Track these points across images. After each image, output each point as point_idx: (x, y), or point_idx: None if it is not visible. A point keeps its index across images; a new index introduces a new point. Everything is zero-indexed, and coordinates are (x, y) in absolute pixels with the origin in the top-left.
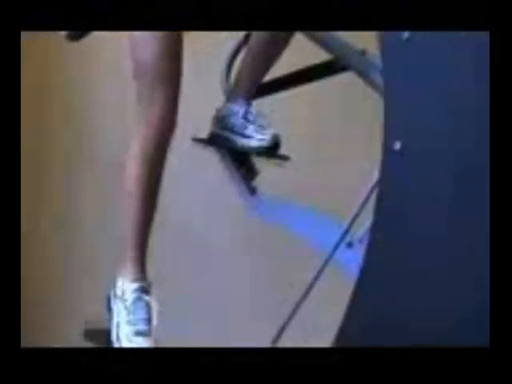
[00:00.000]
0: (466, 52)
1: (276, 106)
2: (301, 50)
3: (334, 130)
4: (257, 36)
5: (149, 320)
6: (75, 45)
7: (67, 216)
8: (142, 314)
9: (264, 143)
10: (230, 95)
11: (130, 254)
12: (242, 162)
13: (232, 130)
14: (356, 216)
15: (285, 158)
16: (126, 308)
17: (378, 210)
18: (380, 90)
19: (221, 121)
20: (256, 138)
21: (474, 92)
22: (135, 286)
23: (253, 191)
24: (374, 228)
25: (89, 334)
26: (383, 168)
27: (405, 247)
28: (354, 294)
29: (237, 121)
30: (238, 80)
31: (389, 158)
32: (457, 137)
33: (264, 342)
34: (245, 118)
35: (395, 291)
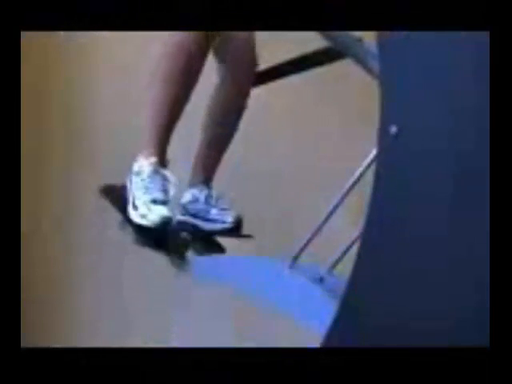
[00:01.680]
0: (465, 52)
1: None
2: (297, 37)
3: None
4: (208, 122)
5: (166, 191)
6: (75, 45)
7: (67, 216)
8: (159, 185)
9: (227, 225)
10: (191, 181)
11: (151, 130)
12: (207, 243)
13: (196, 216)
14: (325, 220)
15: (247, 236)
16: (142, 180)
17: (375, 197)
18: (378, 77)
19: (184, 208)
20: (219, 221)
21: (474, 92)
22: (152, 159)
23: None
24: (370, 216)
25: (105, 190)
26: (379, 153)
27: (402, 241)
28: (348, 293)
29: (199, 206)
30: (195, 166)
31: (385, 143)
32: (453, 125)
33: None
34: (206, 202)
35: (393, 291)
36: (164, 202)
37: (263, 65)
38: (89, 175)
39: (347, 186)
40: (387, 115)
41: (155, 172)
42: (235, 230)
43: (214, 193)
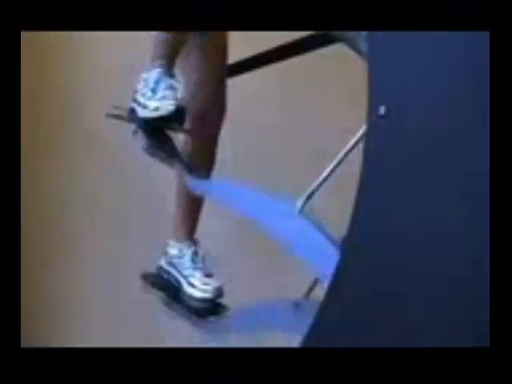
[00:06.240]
0: (465, 51)
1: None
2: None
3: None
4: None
5: (174, 89)
6: (75, 45)
7: (66, 216)
8: (166, 85)
9: (207, 295)
10: (177, 234)
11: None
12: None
13: (180, 272)
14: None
15: (224, 307)
16: (148, 88)
17: (364, 178)
18: (366, 58)
19: (170, 260)
20: (200, 289)
21: (464, 74)
22: (159, 68)
23: None
24: (359, 197)
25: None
26: (368, 134)
27: (393, 226)
28: (334, 284)
29: (185, 264)
30: (181, 221)
31: (374, 123)
32: (443, 105)
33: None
34: (192, 260)
35: (387, 285)
36: (175, 99)
37: (256, 48)
38: (88, 175)
39: (331, 165)
40: (376, 96)
41: (162, 74)
42: (214, 300)
43: (200, 251)
